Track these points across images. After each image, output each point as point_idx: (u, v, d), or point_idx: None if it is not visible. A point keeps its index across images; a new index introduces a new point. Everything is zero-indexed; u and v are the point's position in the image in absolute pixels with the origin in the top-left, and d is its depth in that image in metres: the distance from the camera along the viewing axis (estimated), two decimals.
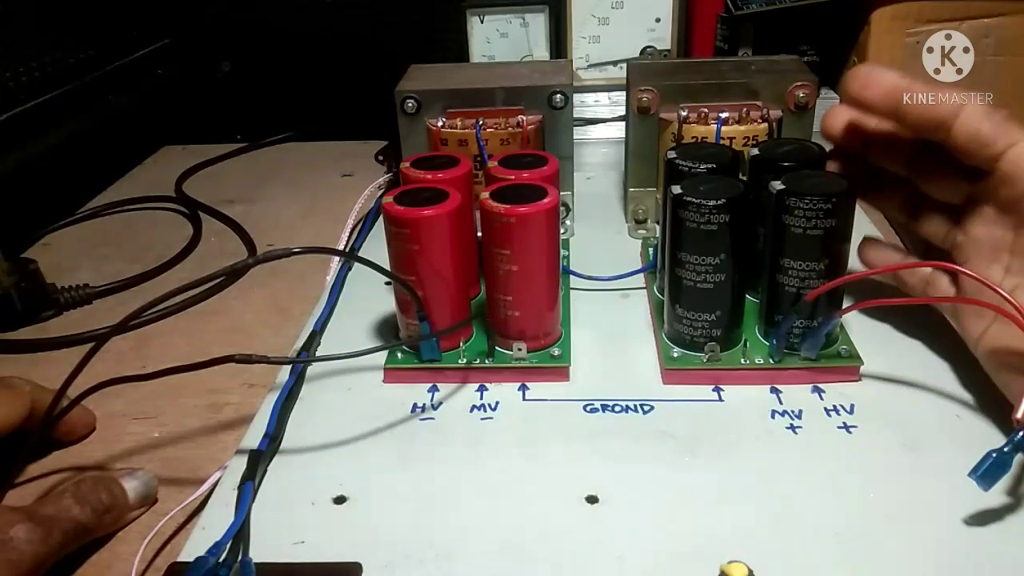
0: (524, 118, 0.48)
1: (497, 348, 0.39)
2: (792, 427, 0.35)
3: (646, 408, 0.37)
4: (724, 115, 0.47)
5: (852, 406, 0.36)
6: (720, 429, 0.35)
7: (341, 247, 0.52)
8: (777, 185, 0.36)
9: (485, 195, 0.37)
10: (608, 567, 0.29)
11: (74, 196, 0.67)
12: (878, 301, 0.41)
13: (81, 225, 0.64)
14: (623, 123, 0.53)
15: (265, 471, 0.34)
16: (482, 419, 0.36)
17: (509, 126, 0.48)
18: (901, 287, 0.40)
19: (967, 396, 0.36)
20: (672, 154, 0.41)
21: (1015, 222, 0.34)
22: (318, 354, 0.41)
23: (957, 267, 0.35)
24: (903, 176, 0.38)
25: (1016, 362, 0.33)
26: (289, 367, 0.39)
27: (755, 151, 0.41)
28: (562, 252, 0.45)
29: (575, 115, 0.51)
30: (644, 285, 0.46)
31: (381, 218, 0.38)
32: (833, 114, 0.39)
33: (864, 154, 0.39)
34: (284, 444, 0.35)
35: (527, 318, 0.38)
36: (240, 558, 0.29)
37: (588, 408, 0.37)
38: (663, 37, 0.67)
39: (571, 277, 0.46)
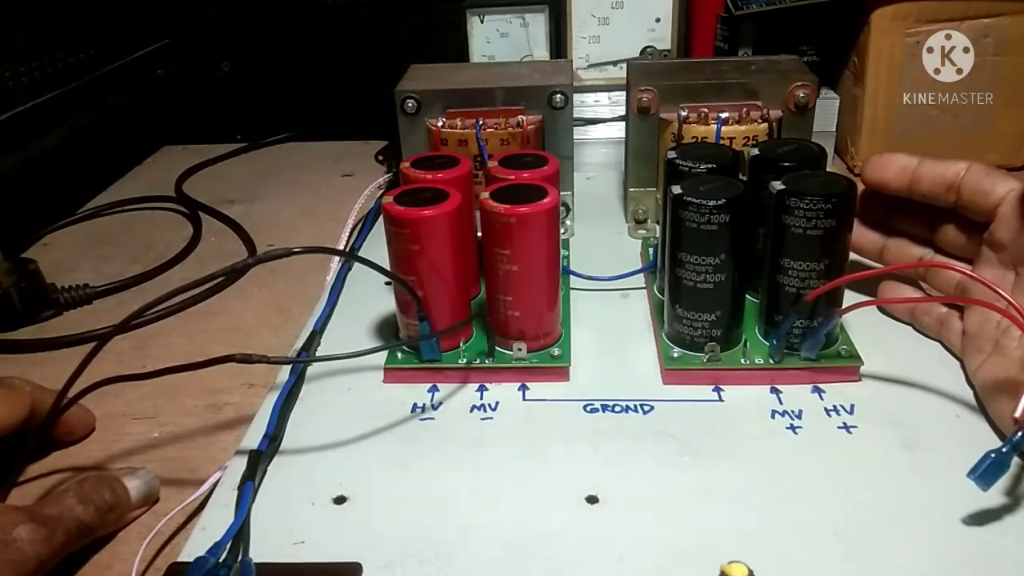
0: (524, 118, 0.48)
1: (497, 348, 0.39)
2: (792, 427, 0.35)
3: (646, 408, 0.37)
4: (724, 115, 0.47)
5: (852, 406, 0.36)
6: (720, 429, 0.35)
7: (341, 247, 0.52)
8: (777, 185, 0.36)
9: (485, 195, 0.37)
10: (608, 567, 0.29)
11: (74, 196, 0.67)
12: (878, 301, 0.42)
13: (81, 225, 0.64)
14: (623, 123, 0.53)
15: (265, 471, 0.34)
16: (482, 419, 0.36)
17: (509, 126, 0.48)
18: (917, 325, 0.41)
19: (967, 396, 0.36)
20: (672, 154, 0.41)
21: (1014, 261, 0.36)
22: (318, 354, 0.41)
23: (961, 269, 0.35)
24: (919, 241, 0.42)
25: (1005, 390, 0.34)
26: (289, 367, 0.39)
27: (755, 151, 0.41)
28: (562, 252, 0.45)
29: (575, 115, 0.51)
30: (644, 285, 0.46)
31: (381, 218, 0.38)
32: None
33: (889, 220, 0.43)
34: (284, 444, 0.35)
35: (527, 318, 0.38)
36: (240, 558, 0.29)
37: (588, 408, 0.37)
38: (663, 37, 0.67)
39: (571, 277, 0.46)
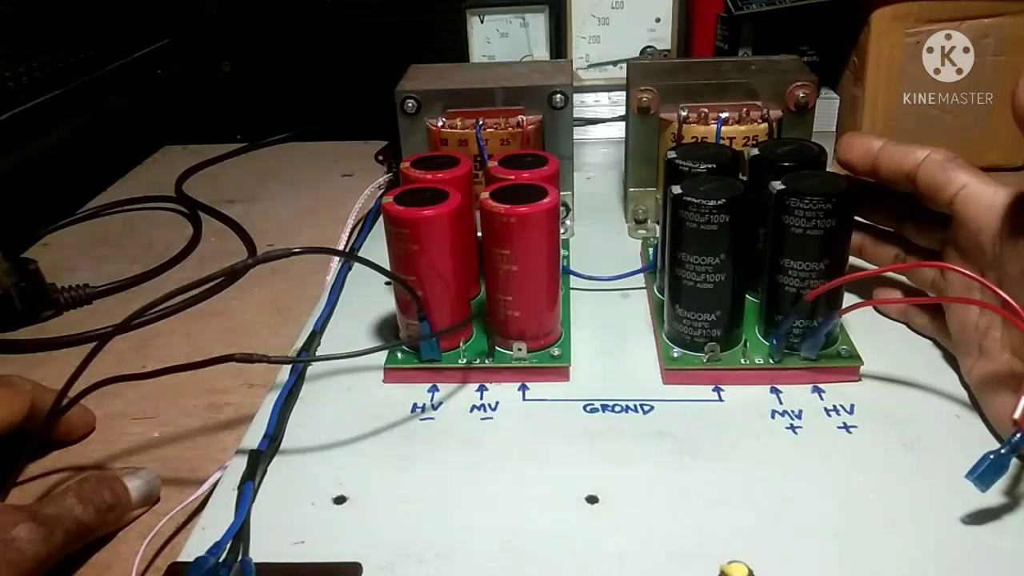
0: (524, 118, 0.48)
1: (497, 348, 0.39)
2: (792, 427, 0.35)
3: (646, 408, 0.37)
4: (724, 115, 0.47)
5: (852, 406, 0.36)
6: (720, 429, 0.35)
7: (341, 247, 0.52)
8: (777, 185, 0.36)
9: (485, 195, 0.37)
10: (608, 567, 0.29)
11: (74, 196, 0.67)
12: (878, 301, 0.42)
13: (81, 225, 0.64)
14: (623, 123, 0.53)
15: (265, 471, 0.34)
16: (482, 419, 0.36)
17: (509, 126, 0.48)
18: (911, 325, 0.41)
19: (967, 396, 0.36)
20: (672, 154, 0.41)
21: (978, 262, 0.36)
22: (318, 354, 0.41)
23: (955, 267, 0.35)
24: (893, 229, 0.42)
25: (997, 390, 0.34)
26: (289, 367, 0.39)
27: (755, 151, 0.41)
28: (562, 252, 0.45)
29: (575, 115, 0.51)
30: (644, 285, 0.46)
31: (381, 218, 0.38)
32: None
33: (859, 212, 0.42)
34: (284, 444, 0.35)
35: (527, 318, 0.38)
36: (240, 558, 0.29)
37: (588, 408, 0.37)
38: (663, 37, 0.67)
39: (571, 277, 0.46)
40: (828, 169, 0.39)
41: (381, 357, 0.39)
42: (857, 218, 0.43)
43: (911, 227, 0.40)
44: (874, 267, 0.43)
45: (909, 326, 0.41)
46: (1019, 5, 0.58)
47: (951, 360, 0.38)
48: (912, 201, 0.38)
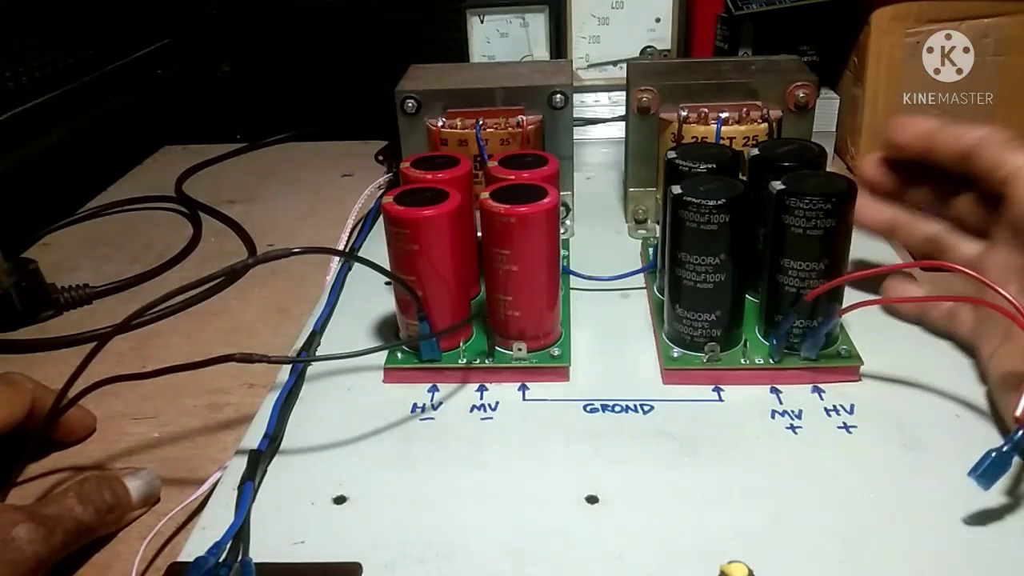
0: (524, 118, 0.48)
1: (497, 348, 0.39)
2: (792, 427, 0.35)
3: (646, 408, 0.37)
4: (724, 115, 0.47)
5: (852, 406, 0.36)
6: (720, 429, 0.35)
7: (341, 247, 0.52)
8: (777, 185, 0.36)
9: (485, 195, 0.37)
10: (608, 567, 0.29)
11: (74, 196, 0.67)
12: (878, 301, 0.42)
13: (81, 225, 0.64)
14: (623, 123, 0.53)
15: (265, 471, 0.34)
16: (482, 419, 0.36)
17: (509, 126, 0.48)
18: (925, 320, 0.41)
19: (967, 396, 0.36)
20: (672, 154, 0.41)
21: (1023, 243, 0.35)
22: (318, 354, 0.41)
23: (955, 267, 0.35)
24: (933, 213, 0.41)
25: (1013, 384, 0.33)
26: (289, 367, 0.39)
27: (755, 151, 0.41)
28: (562, 252, 0.45)
29: (575, 115, 0.51)
30: (644, 285, 0.46)
31: (381, 218, 0.38)
32: (869, 160, 0.43)
33: (897, 194, 0.42)
34: (284, 444, 0.35)
35: (527, 318, 0.38)
36: (240, 558, 0.29)
37: (588, 408, 0.37)
38: (663, 37, 0.67)
39: (571, 277, 0.46)
40: (827, 169, 0.39)
41: (381, 357, 0.39)
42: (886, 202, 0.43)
43: (960, 206, 0.39)
44: (884, 262, 0.42)
45: (923, 323, 0.41)
46: (1019, 5, 0.58)
47: (951, 360, 0.38)
48: (954, 183, 0.38)
